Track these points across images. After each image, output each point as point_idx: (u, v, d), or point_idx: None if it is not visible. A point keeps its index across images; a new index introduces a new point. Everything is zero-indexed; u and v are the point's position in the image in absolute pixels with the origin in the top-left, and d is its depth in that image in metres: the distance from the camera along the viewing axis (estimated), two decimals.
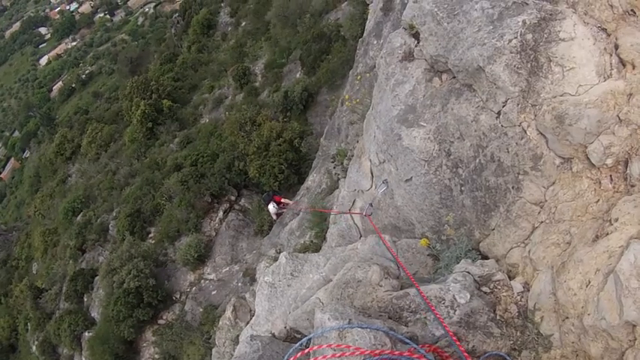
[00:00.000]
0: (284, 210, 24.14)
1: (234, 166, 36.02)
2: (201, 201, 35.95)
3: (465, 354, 4.93)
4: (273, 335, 7.60)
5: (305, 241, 18.88)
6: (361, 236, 11.33)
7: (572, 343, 5.50)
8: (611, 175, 6.04)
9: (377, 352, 4.89)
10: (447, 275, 6.73)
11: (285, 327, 7.51)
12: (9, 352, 52.88)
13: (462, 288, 6.15)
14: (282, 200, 23.80)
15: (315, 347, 5.23)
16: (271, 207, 22.96)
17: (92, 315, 39.60)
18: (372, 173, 10.75)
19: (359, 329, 5.14)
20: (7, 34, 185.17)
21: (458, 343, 5.20)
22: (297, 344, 5.71)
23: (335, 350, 5.00)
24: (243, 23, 58.74)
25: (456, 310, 5.93)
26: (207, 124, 46.98)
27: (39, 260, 54.24)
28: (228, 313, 18.67)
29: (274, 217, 24.99)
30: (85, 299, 41.60)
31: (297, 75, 41.14)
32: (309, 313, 6.82)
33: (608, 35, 6.32)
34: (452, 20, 7.53)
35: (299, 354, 5.45)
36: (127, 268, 33.84)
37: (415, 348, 5.16)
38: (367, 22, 18.25)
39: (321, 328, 5.41)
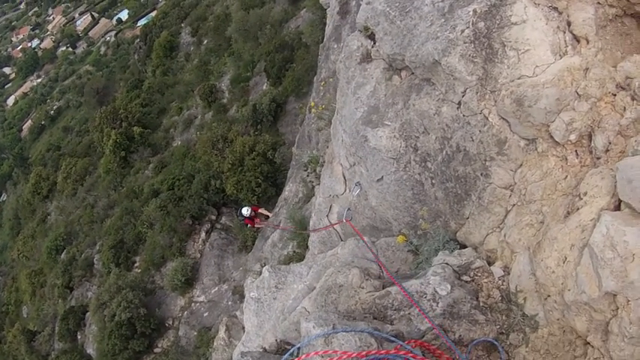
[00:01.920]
0: (263, 223, 23.97)
1: (210, 185, 35.92)
2: (182, 224, 35.79)
3: (451, 344, 4.95)
4: (264, 350, 7.58)
5: (288, 252, 18.87)
6: (342, 240, 11.33)
7: (558, 320, 5.55)
8: (576, 151, 6.10)
9: (363, 353, 4.91)
10: (427, 269, 6.76)
11: (276, 340, 7.50)
12: None
13: (442, 280, 6.19)
14: (259, 210, 23.70)
15: (303, 356, 5.24)
16: (244, 210, 22.69)
17: (88, 352, 39.19)
18: (344, 177, 10.77)
19: (344, 333, 5.16)
20: None
21: (441, 334, 5.23)
22: (286, 355, 5.72)
23: (323, 357, 5.02)
24: (205, 41, 58.65)
25: (438, 303, 5.96)
26: (180, 146, 46.83)
27: (28, 303, 53.58)
28: (222, 333, 18.63)
29: (253, 223, 24.39)
30: (79, 337, 41.18)
31: (264, 87, 41.20)
32: (297, 323, 6.82)
33: (560, 13, 6.37)
34: (404, 18, 7.58)
35: None
36: (116, 300, 33.58)
37: (401, 345, 5.18)
38: (326, 26, 18.32)
39: (307, 336, 5.43)
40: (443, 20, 6.93)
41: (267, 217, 24.06)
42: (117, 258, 39.29)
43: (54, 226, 57.68)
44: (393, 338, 5.30)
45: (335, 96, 11.75)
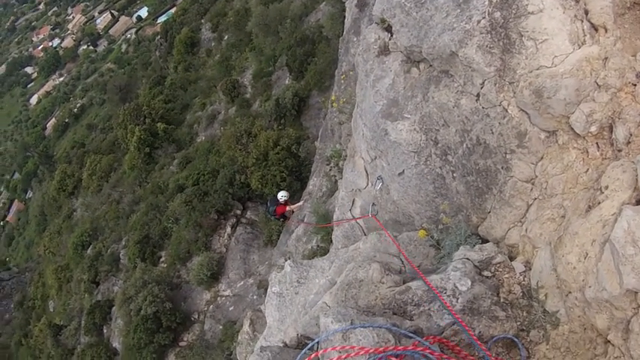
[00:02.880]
0: (293, 206, 23.82)
1: (235, 180, 35.98)
2: (207, 219, 35.90)
3: (475, 338, 4.90)
4: (285, 344, 7.58)
5: (312, 246, 18.87)
6: (365, 235, 11.30)
7: (579, 317, 5.46)
8: (597, 143, 5.99)
9: (381, 349, 4.89)
10: (448, 264, 6.71)
11: (297, 334, 7.49)
12: None
13: (462, 275, 6.13)
14: (288, 208, 23.62)
15: (321, 351, 5.23)
16: (281, 194, 22.52)
17: (114, 345, 39.60)
18: (366, 171, 10.74)
19: (361, 329, 5.14)
20: None
21: (467, 327, 5.18)
22: (305, 349, 5.70)
23: (340, 352, 5.01)
24: (226, 37, 58.76)
25: (458, 298, 5.90)
26: (204, 141, 46.98)
27: (54, 298, 54.32)
28: (246, 327, 18.63)
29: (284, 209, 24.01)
30: (105, 331, 41.65)
31: (286, 81, 41.16)
32: (317, 318, 6.79)
33: (577, 2, 6.25)
34: (420, 9, 7.51)
35: (307, 359, 5.44)
36: (142, 294, 33.86)
37: (419, 341, 5.14)
38: (345, 19, 18.24)
39: (325, 331, 5.41)
40: (459, 11, 6.85)
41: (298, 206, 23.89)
42: (143, 253, 39.60)
43: (80, 222, 58.39)
44: (411, 334, 5.27)
45: (355, 89, 11.72)
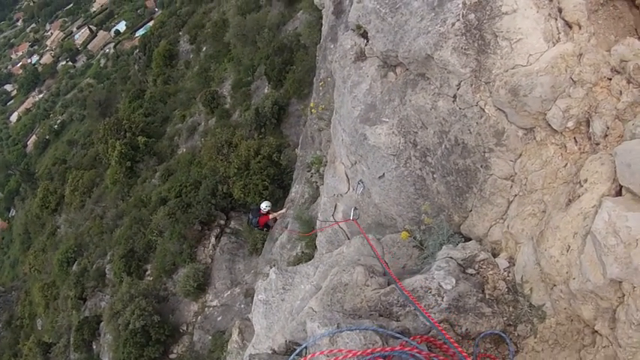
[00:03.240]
0: (276, 214, 23.84)
1: (218, 190, 35.86)
2: (191, 230, 35.78)
3: (452, 341, 4.94)
4: (274, 351, 7.59)
5: (297, 252, 18.86)
6: (348, 239, 11.34)
7: (565, 309, 5.53)
8: (575, 137, 6.08)
9: (368, 351, 4.90)
10: (432, 263, 6.76)
11: (285, 341, 7.50)
12: None
13: (447, 274, 6.18)
14: (270, 217, 23.63)
15: (310, 356, 5.24)
16: (264, 205, 22.61)
17: None
18: (347, 176, 10.79)
19: (348, 332, 5.16)
20: None
21: (442, 330, 5.21)
22: (293, 355, 5.72)
23: (328, 356, 5.01)
24: (204, 48, 58.66)
25: (443, 297, 5.95)
26: (185, 153, 46.85)
27: (42, 316, 53.81)
28: (235, 336, 18.60)
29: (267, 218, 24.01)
30: (94, 346, 41.26)
31: (265, 90, 41.13)
32: (304, 323, 6.81)
33: (551, 0, 6.34)
34: (395, 14, 7.57)
35: None
36: (129, 308, 33.60)
37: (407, 341, 5.17)
38: (322, 27, 18.29)
39: (312, 336, 5.43)
40: (433, 14, 6.91)
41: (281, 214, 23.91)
42: (128, 267, 39.34)
43: (64, 238, 57.92)
44: (398, 335, 5.30)
45: (333, 96, 11.77)
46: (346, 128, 9.19)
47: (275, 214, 23.73)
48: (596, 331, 5.21)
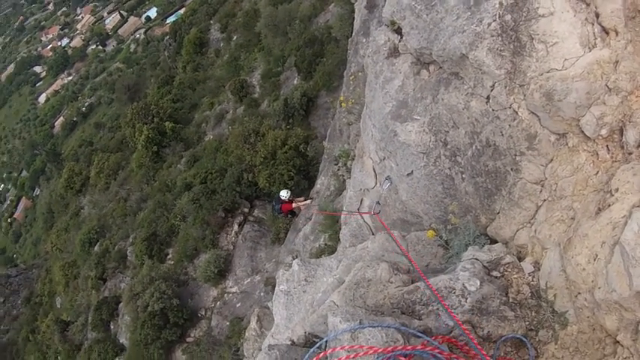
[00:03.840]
0: (300, 203, 23.85)
1: (243, 178, 35.97)
2: (215, 217, 35.94)
3: (476, 343, 4.93)
4: (293, 342, 7.63)
5: (320, 244, 18.89)
6: (372, 234, 11.35)
7: (588, 317, 5.49)
8: (607, 145, 6.01)
9: (389, 349, 4.91)
10: (457, 264, 6.74)
11: (305, 333, 7.53)
12: None
13: (471, 275, 6.16)
14: (294, 205, 23.65)
15: (330, 350, 5.26)
16: (283, 193, 22.58)
17: (120, 341, 39.64)
18: (374, 171, 10.78)
19: (370, 329, 5.17)
20: (3, 76, 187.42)
21: (466, 330, 5.20)
22: (313, 348, 5.73)
23: (349, 352, 5.03)
24: (235, 37, 58.70)
25: (467, 299, 5.93)
26: (212, 140, 46.94)
27: (62, 294, 54.32)
28: (253, 323, 18.69)
29: (290, 207, 23.86)
30: (112, 327, 41.69)
31: (295, 81, 41.12)
32: (325, 317, 6.83)
33: (588, 5, 6.24)
34: (430, 11, 7.53)
35: (315, 358, 5.48)
36: (149, 291, 33.85)
37: (428, 340, 5.17)
38: (354, 21, 18.26)
39: (334, 331, 5.44)
40: (469, 13, 6.86)
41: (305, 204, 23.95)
42: (150, 250, 39.60)
43: (87, 219, 58.38)
44: (420, 334, 5.30)
45: (364, 90, 11.76)
46: (376, 124, 9.18)
47: (300, 203, 23.76)
48: (618, 342, 5.16)
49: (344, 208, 14.11)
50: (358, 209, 12.02)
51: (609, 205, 5.37)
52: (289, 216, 26.01)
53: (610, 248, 5.09)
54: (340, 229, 14.42)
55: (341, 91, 21.63)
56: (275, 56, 45.86)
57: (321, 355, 5.40)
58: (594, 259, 5.29)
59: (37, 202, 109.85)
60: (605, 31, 6.11)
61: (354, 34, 17.82)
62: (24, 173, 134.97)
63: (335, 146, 20.89)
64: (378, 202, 10.03)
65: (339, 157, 18.52)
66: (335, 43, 36.20)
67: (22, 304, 63.70)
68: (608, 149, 6.00)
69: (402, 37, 8.52)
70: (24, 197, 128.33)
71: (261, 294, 29.66)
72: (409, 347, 4.98)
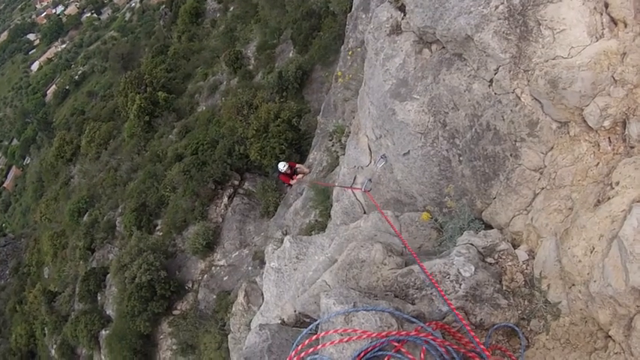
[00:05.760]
0: (299, 179, 23.68)
1: (234, 150, 35.81)
2: (205, 188, 35.79)
3: (470, 330, 4.88)
4: (283, 321, 7.59)
5: (310, 220, 18.84)
6: (365, 212, 11.29)
7: (581, 310, 5.46)
8: (609, 137, 5.95)
9: (383, 334, 4.88)
10: (451, 248, 6.68)
11: (295, 312, 7.50)
12: (29, 358, 53.09)
13: (466, 261, 6.10)
14: (297, 166, 23.39)
15: (323, 333, 5.21)
16: (281, 165, 22.40)
17: (107, 313, 39.65)
18: (369, 149, 10.68)
19: (364, 312, 5.12)
20: None
21: (461, 318, 5.16)
22: (305, 331, 5.69)
23: (342, 335, 4.99)
24: (232, 8, 58.25)
25: (461, 284, 5.88)
26: (205, 111, 46.67)
27: (49, 264, 54.26)
28: (240, 298, 18.70)
29: (289, 180, 23.74)
30: (99, 298, 41.65)
31: (290, 54, 40.86)
32: (316, 296, 6.80)
33: None
34: None
35: (307, 340, 5.43)
36: (137, 262, 33.77)
37: (422, 326, 5.13)
38: None
39: (327, 313, 5.39)
40: None
41: (305, 173, 23.79)
42: (139, 221, 39.52)
43: (77, 189, 58.22)
44: (413, 319, 5.25)
45: (362, 66, 11.62)
46: (374, 101, 9.06)
47: (297, 178, 23.41)
48: (610, 337, 5.12)
49: (336, 184, 14.05)
50: (351, 186, 11.95)
51: (609, 198, 5.31)
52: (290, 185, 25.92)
53: (608, 242, 5.05)
54: (332, 205, 14.35)
55: (337, 65, 21.46)
56: (271, 28, 45.51)
57: (314, 337, 5.35)
58: (591, 252, 5.25)
59: (27, 170, 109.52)
60: (614, 21, 6.01)
61: (353, 9, 17.59)
62: (15, 142, 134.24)
63: (329, 121, 20.76)
64: (369, 180, 9.94)
65: (334, 132, 18.41)
66: (332, 17, 35.90)
67: (9, 275, 63.79)
68: (610, 141, 5.93)
69: (405, 15, 8.38)
70: (14, 166, 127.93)
71: (249, 268, 29.66)
72: (403, 332, 4.95)
